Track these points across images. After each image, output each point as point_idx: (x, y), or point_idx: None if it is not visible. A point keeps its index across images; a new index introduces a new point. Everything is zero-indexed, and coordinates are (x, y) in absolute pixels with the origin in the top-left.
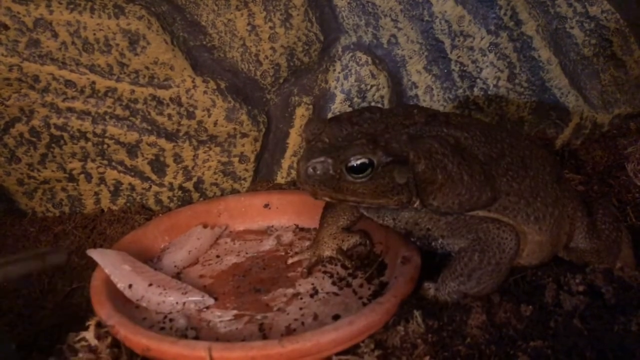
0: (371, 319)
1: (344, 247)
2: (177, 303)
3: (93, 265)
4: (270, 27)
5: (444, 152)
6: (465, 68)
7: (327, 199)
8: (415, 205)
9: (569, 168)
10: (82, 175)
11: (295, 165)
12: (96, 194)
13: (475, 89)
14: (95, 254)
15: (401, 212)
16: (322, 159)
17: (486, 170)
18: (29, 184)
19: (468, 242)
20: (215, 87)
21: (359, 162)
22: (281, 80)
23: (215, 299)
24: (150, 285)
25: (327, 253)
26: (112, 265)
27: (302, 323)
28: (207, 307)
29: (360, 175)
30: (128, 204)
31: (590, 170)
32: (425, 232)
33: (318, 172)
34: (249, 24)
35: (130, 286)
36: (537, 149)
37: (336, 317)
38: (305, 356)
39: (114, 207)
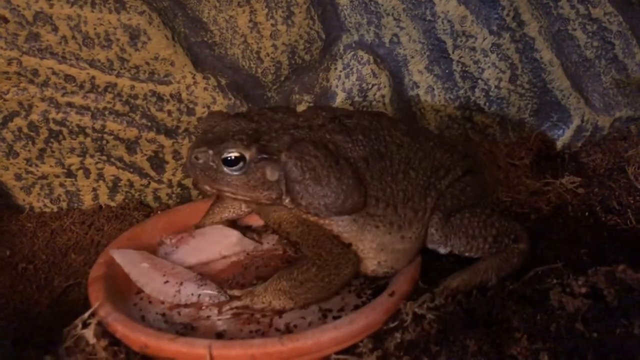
0: (371, 317)
1: None
2: (192, 294)
3: (90, 262)
4: (272, 25)
5: (317, 155)
6: (466, 68)
7: (207, 187)
8: (285, 203)
9: (569, 170)
10: (81, 171)
11: None
12: (94, 189)
13: (477, 90)
14: (116, 254)
15: (272, 212)
16: (204, 149)
17: (359, 176)
18: (27, 179)
19: (312, 253)
20: (215, 83)
21: (232, 155)
22: (282, 78)
23: None
24: (167, 281)
25: None
26: (131, 264)
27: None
28: (206, 305)
29: (234, 168)
30: (126, 201)
31: (591, 173)
32: (286, 235)
33: (200, 161)
34: (250, 20)
35: (147, 283)
36: (434, 149)
37: (336, 316)
38: (305, 354)
39: (112, 204)
